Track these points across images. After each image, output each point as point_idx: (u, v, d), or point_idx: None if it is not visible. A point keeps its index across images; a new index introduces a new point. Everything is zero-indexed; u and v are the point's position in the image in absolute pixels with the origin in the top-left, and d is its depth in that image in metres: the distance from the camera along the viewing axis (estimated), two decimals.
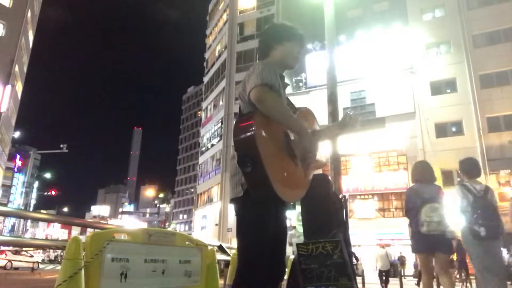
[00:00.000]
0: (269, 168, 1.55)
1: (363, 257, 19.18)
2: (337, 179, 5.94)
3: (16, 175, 48.77)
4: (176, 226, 75.21)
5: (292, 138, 1.81)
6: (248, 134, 1.57)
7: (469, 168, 3.97)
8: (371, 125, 22.25)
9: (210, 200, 33.53)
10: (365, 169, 23.95)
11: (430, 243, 3.86)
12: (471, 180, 3.90)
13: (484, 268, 3.57)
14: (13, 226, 52.63)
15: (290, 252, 7.07)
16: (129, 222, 65.04)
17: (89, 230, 13.56)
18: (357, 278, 4.73)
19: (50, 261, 30.07)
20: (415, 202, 4.01)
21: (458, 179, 21.61)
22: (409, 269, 21.11)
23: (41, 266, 22.92)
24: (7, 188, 44.21)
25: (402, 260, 20.68)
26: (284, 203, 1.74)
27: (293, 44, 1.98)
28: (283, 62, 1.97)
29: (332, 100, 6.47)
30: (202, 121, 39.64)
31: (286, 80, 1.97)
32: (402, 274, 17.80)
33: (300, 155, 1.82)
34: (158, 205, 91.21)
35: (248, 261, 1.67)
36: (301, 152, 1.82)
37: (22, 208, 44.61)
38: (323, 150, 2.14)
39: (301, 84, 28.71)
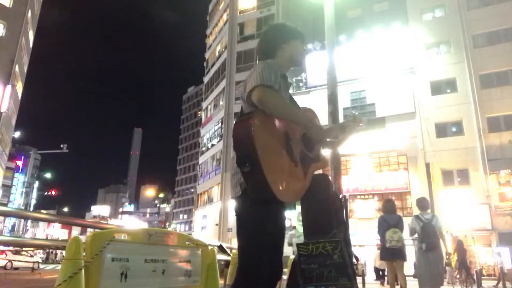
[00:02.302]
0: (267, 168, 1.55)
1: (363, 257, 19.21)
2: (337, 179, 5.95)
3: (16, 175, 48.77)
4: (176, 226, 75.21)
5: (292, 138, 1.80)
6: (247, 133, 1.57)
7: (421, 204, 5.85)
8: (371, 125, 22.22)
9: (210, 200, 33.53)
10: (365, 169, 23.93)
11: (392, 253, 5.77)
12: (422, 211, 5.75)
13: (425, 271, 5.35)
14: (13, 226, 52.60)
15: (290, 252, 7.09)
16: (129, 222, 65.10)
17: (89, 230, 13.55)
18: (357, 278, 4.90)
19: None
20: (384, 226, 5.90)
21: (458, 178, 21.66)
22: (409, 269, 21.05)
23: (41, 266, 22.90)
24: (7, 188, 44.23)
25: None
26: (283, 203, 1.73)
27: (298, 41, 2.03)
28: (292, 60, 2.01)
29: (332, 100, 6.48)
30: (202, 121, 39.64)
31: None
32: None
33: (300, 155, 1.82)
34: (158, 205, 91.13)
35: (247, 260, 1.68)
36: (312, 141, 1.84)
37: (22, 208, 44.60)
38: (324, 151, 2.14)
39: (301, 84, 28.66)
